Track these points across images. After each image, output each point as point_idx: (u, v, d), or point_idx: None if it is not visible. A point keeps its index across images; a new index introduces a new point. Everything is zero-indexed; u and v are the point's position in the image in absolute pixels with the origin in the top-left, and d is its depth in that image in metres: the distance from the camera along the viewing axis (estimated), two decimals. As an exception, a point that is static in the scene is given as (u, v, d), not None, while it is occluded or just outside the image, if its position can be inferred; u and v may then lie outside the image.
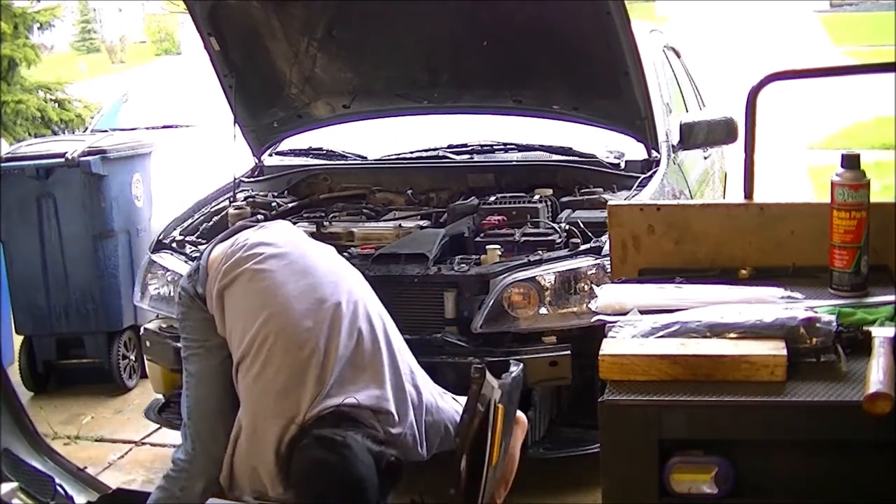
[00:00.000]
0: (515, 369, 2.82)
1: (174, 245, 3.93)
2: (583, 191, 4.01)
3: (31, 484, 3.03)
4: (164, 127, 7.55)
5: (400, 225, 3.88)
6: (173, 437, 4.21)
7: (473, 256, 3.55)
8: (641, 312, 1.93)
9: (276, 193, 4.44)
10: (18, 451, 3.23)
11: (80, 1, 33.79)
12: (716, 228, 2.28)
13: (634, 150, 4.17)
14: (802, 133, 12.38)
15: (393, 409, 2.55)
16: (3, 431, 3.21)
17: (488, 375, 2.60)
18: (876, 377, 1.58)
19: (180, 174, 6.06)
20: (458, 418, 2.70)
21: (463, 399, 2.74)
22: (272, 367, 2.54)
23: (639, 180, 3.94)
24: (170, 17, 32.66)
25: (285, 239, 2.80)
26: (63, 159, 4.78)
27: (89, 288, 4.88)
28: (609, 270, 2.50)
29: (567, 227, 3.66)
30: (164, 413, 3.98)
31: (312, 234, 3.95)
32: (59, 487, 3.06)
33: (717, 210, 2.37)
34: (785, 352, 1.70)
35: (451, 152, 4.47)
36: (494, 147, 4.49)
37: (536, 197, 3.93)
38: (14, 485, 2.93)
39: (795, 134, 12.12)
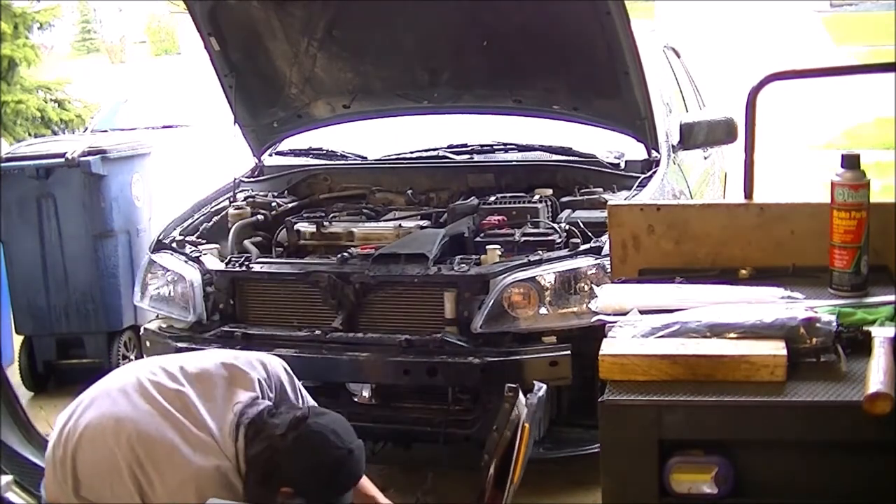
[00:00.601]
0: (541, 391, 2.83)
1: (174, 245, 3.93)
2: (583, 191, 4.01)
3: (25, 477, 3.01)
4: (163, 127, 7.57)
5: (400, 225, 3.88)
6: (173, 437, 4.20)
7: (473, 256, 3.55)
8: (641, 312, 1.93)
9: (276, 193, 4.44)
10: (12, 442, 3.21)
11: (80, 1, 33.79)
12: (716, 228, 2.28)
13: (634, 150, 4.16)
14: (803, 133, 12.38)
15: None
16: None
17: (521, 396, 2.61)
18: (876, 377, 1.58)
19: (180, 174, 6.07)
20: None
21: None
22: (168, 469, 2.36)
23: (639, 180, 3.93)
24: (170, 17, 32.66)
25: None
26: (63, 159, 4.78)
27: (89, 288, 4.88)
28: (609, 270, 2.50)
29: (567, 227, 3.66)
30: (164, 413, 3.98)
31: (312, 234, 3.96)
32: None
33: (717, 210, 2.37)
34: (785, 352, 1.70)
35: (451, 152, 4.47)
36: (494, 147, 4.49)
37: (536, 197, 3.93)
38: (9, 478, 2.92)
39: (796, 134, 12.12)
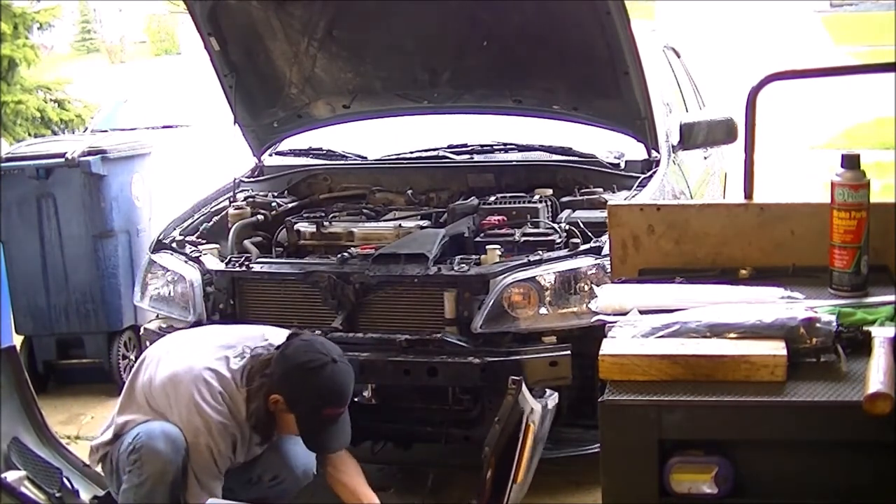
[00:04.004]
0: (552, 397, 2.83)
1: (174, 245, 3.93)
2: (583, 191, 4.01)
3: (38, 474, 3.05)
4: (163, 127, 7.56)
5: (400, 225, 3.88)
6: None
7: (473, 256, 3.55)
8: (641, 312, 1.93)
9: (276, 193, 4.44)
10: (27, 441, 3.25)
11: (80, 1, 33.78)
12: (716, 228, 2.28)
13: (634, 150, 4.17)
14: (804, 133, 12.38)
15: None
16: (13, 421, 3.23)
17: (526, 392, 2.60)
18: (876, 377, 1.58)
19: (180, 174, 6.07)
20: None
21: None
22: None
23: (639, 180, 3.93)
24: (170, 17, 32.66)
25: None
26: (63, 159, 4.78)
27: (89, 288, 4.88)
28: (609, 270, 2.50)
29: (567, 227, 3.66)
30: (164, 413, 3.98)
31: (312, 234, 3.96)
32: (65, 480, 3.07)
33: (717, 210, 2.37)
34: (785, 352, 1.70)
35: (451, 152, 4.46)
36: (494, 147, 4.49)
37: (536, 197, 3.93)
38: (22, 473, 2.95)
39: (797, 134, 12.12)
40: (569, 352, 3.31)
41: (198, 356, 2.98)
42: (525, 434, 2.63)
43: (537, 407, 2.69)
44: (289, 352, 2.91)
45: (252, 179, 4.62)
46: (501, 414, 2.59)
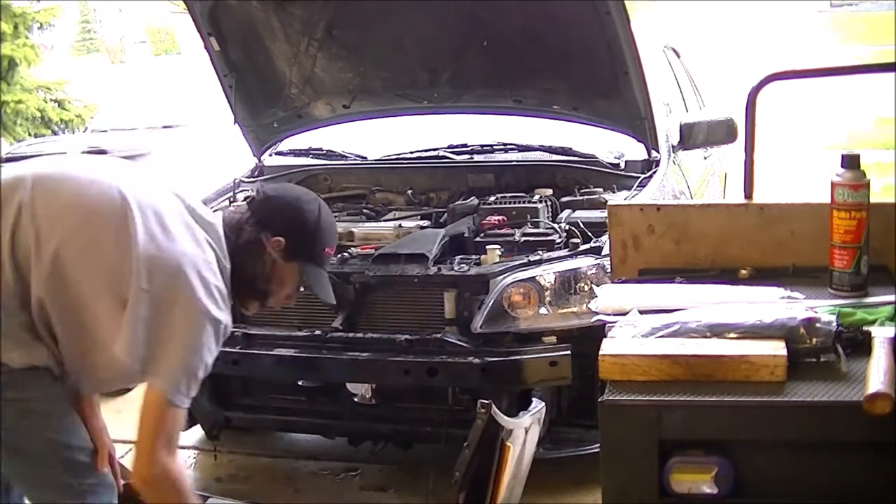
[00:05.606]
0: (537, 408, 2.79)
1: (174, 245, 3.92)
2: (583, 191, 4.01)
3: None
4: (163, 127, 7.57)
5: (400, 225, 3.88)
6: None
7: (473, 256, 3.55)
8: (641, 312, 1.93)
9: (276, 193, 4.43)
10: None
11: (80, 1, 33.81)
12: (716, 228, 2.28)
13: (634, 150, 4.17)
14: (803, 133, 12.38)
15: None
16: None
17: (496, 412, 2.56)
18: (876, 377, 1.58)
19: (180, 174, 6.07)
20: None
21: None
22: None
23: (639, 180, 3.93)
24: (170, 17, 32.67)
25: None
26: (63, 159, 4.78)
27: (89, 288, 4.87)
28: (609, 270, 2.50)
29: (567, 227, 3.66)
30: (164, 413, 3.97)
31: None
32: None
33: (717, 210, 2.37)
34: (785, 352, 1.70)
35: (451, 152, 4.46)
36: (494, 147, 4.48)
37: (536, 197, 3.93)
38: None
39: (797, 134, 12.12)
40: (569, 352, 3.31)
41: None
42: (502, 456, 2.58)
43: (516, 426, 2.63)
44: (277, 194, 2.63)
45: (252, 179, 4.61)
46: (471, 439, 2.54)
